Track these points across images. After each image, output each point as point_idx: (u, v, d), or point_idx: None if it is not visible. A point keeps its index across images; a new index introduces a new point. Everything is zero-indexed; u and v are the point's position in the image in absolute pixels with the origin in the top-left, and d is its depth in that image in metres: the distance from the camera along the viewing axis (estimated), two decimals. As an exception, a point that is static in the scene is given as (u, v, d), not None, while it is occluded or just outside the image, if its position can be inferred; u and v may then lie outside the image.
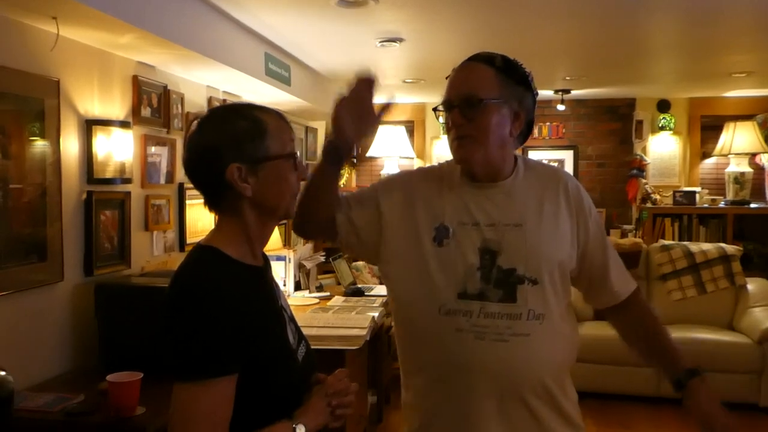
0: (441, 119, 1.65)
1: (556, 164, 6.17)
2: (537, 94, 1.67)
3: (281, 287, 4.18)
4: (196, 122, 1.29)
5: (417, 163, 6.37)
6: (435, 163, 6.23)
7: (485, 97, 1.56)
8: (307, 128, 5.60)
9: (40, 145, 2.37)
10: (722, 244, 5.11)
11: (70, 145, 2.55)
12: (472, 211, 1.61)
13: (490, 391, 1.54)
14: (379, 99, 1.56)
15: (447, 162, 1.77)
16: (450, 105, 1.60)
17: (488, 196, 1.63)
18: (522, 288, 1.56)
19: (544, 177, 1.69)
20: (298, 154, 1.31)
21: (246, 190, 1.24)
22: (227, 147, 1.23)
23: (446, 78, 1.66)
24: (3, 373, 1.86)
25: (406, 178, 1.76)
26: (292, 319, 1.39)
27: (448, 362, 1.56)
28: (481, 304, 1.55)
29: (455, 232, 1.59)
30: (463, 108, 1.57)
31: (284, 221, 4.74)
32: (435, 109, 1.66)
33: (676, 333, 4.55)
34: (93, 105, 2.68)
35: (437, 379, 1.59)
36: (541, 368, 1.58)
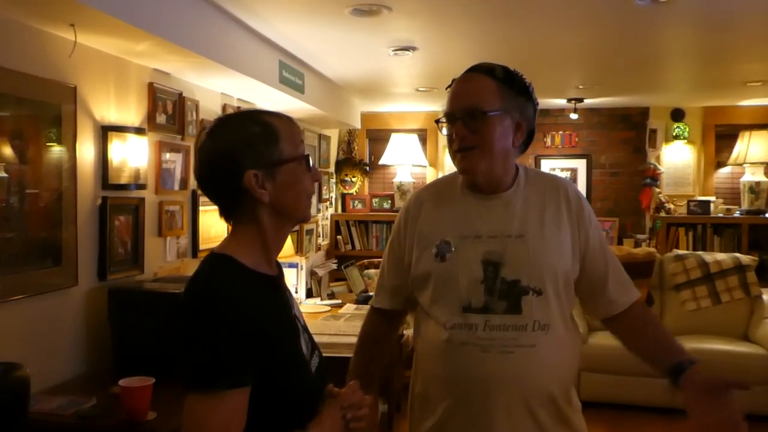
0: (444, 131, 1.66)
1: (568, 173, 6.16)
2: (538, 104, 1.68)
3: (293, 294, 4.19)
4: (205, 132, 1.28)
5: (429, 172, 6.38)
6: (447, 169, 6.27)
7: (488, 109, 1.57)
8: (320, 136, 5.62)
9: (56, 150, 2.40)
10: (737, 254, 5.06)
11: (86, 151, 2.57)
12: (474, 223, 1.62)
13: (498, 404, 1.54)
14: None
15: (447, 176, 1.80)
16: (453, 117, 1.60)
17: (489, 207, 1.64)
18: (526, 299, 1.56)
19: (545, 186, 1.70)
20: (310, 156, 1.31)
21: (264, 196, 1.24)
22: (242, 153, 1.22)
23: (446, 89, 1.67)
24: (28, 370, 1.88)
25: (410, 205, 1.76)
26: (306, 329, 1.38)
27: (456, 376, 1.57)
28: (486, 317, 1.55)
29: (457, 246, 1.60)
30: (466, 120, 1.58)
31: (297, 228, 4.74)
32: (437, 121, 1.68)
33: (691, 344, 4.51)
34: (109, 111, 2.71)
35: (446, 392, 1.60)
36: (548, 378, 1.58)
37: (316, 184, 1.37)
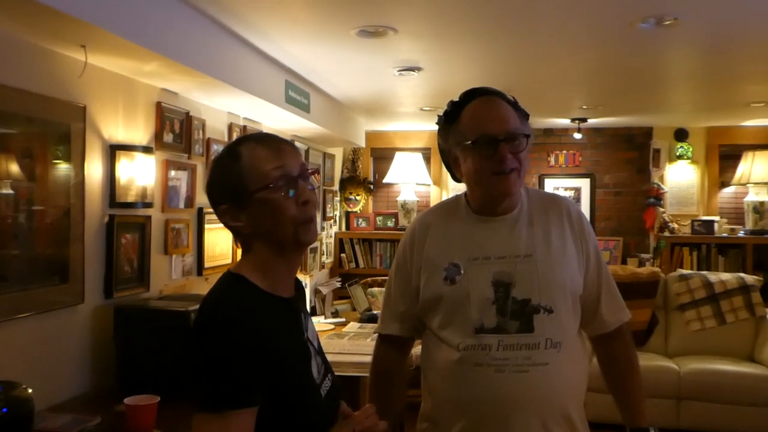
0: (471, 151, 1.61)
1: (572, 192, 6.18)
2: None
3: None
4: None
5: (433, 190, 6.40)
6: (451, 188, 6.26)
7: (527, 132, 1.61)
8: (325, 154, 5.65)
9: (64, 168, 2.42)
10: (742, 274, 5.04)
11: (94, 169, 2.60)
12: (481, 245, 1.64)
13: (515, 424, 1.54)
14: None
15: (449, 199, 1.82)
16: (494, 139, 1.58)
17: (495, 228, 1.66)
18: (538, 317, 1.57)
19: (548, 205, 1.72)
20: (296, 176, 1.25)
21: (241, 228, 1.25)
22: (216, 187, 1.28)
23: (448, 109, 1.68)
24: (30, 390, 1.88)
25: (415, 229, 1.77)
26: (319, 352, 1.37)
27: (470, 398, 1.57)
28: (499, 337, 1.56)
29: (466, 269, 1.61)
30: (510, 143, 1.59)
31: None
32: (474, 142, 1.59)
33: (695, 364, 4.50)
34: (117, 130, 2.74)
35: (459, 414, 1.59)
36: (563, 396, 1.58)
37: (310, 205, 1.27)
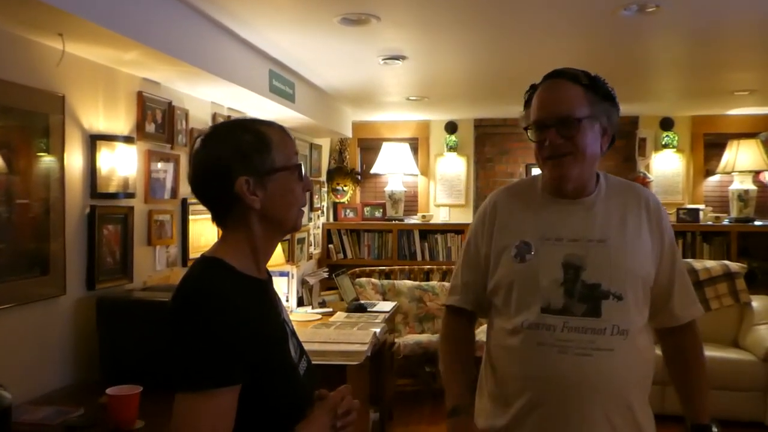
0: (532, 137, 1.66)
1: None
2: (620, 109, 1.72)
3: (284, 302, 4.17)
4: (200, 139, 1.31)
5: (421, 180, 6.38)
6: (438, 178, 6.25)
7: (580, 115, 1.59)
8: (311, 145, 5.63)
9: (45, 160, 2.40)
10: (726, 262, 5.09)
11: (75, 160, 2.57)
12: (555, 227, 1.64)
13: (574, 405, 1.55)
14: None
15: (526, 179, 1.84)
16: (544, 125, 1.62)
17: (571, 212, 1.65)
18: (607, 303, 1.57)
19: (626, 193, 1.72)
20: (303, 165, 1.34)
21: (255, 203, 1.26)
22: (235, 161, 1.25)
23: (525, 94, 1.70)
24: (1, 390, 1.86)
25: (487, 205, 1.79)
26: (294, 334, 1.39)
27: (532, 375, 1.58)
28: (564, 319, 1.56)
29: (537, 249, 1.62)
30: (559, 128, 1.59)
31: (288, 237, 4.72)
32: (526, 128, 1.67)
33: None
34: (98, 120, 2.71)
35: (521, 391, 1.60)
36: (625, 384, 1.58)
37: (308, 194, 1.38)
